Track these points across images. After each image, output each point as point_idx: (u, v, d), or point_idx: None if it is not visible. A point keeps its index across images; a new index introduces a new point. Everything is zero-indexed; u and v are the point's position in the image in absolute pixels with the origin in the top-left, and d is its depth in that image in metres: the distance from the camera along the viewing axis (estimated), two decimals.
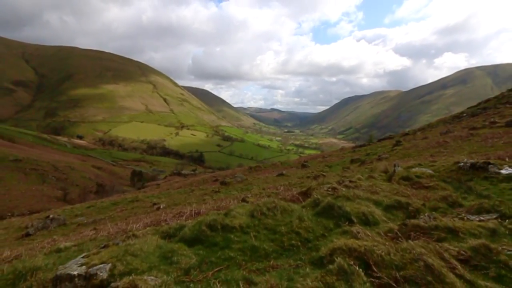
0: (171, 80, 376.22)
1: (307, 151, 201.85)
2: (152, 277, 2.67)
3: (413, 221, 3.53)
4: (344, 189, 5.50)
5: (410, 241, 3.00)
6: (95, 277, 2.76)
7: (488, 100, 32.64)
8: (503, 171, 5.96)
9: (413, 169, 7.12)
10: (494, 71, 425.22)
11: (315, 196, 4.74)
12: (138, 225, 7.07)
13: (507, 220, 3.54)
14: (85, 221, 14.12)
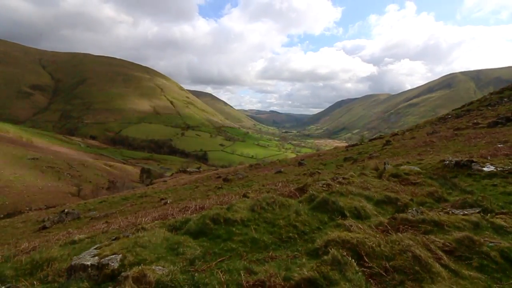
0: (177, 84, 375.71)
1: (303, 150, 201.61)
2: (160, 267, 2.67)
3: (401, 215, 3.53)
4: (337, 185, 5.49)
5: (399, 233, 3.00)
6: (107, 267, 2.76)
7: (471, 103, 32.59)
8: (485, 169, 5.97)
9: (402, 167, 7.12)
10: (477, 76, 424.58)
11: (311, 192, 4.74)
12: (146, 218, 7.07)
13: (489, 214, 3.54)
14: (98, 215, 14.12)
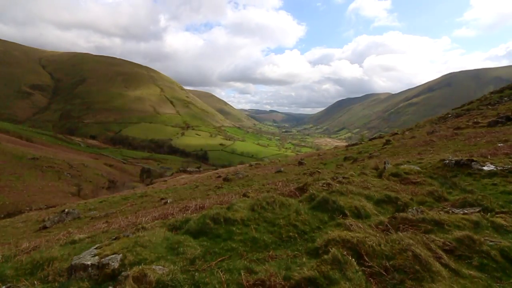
0: (177, 84, 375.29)
1: (303, 150, 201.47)
2: (160, 267, 2.67)
3: (402, 214, 3.53)
4: (338, 184, 5.49)
5: (399, 232, 3.00)
6: (107, 267, 2.76)
7: (471, 102, 32.56)
8: (485, 168, 5.97)
9: (402, 166, 7.12)
10: (477, 75, 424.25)
11: (311, 191, 4.74)
12: (147, 218, 7.06)
13: (489, 213, 3.54)
14: (98, 215, 14.12)
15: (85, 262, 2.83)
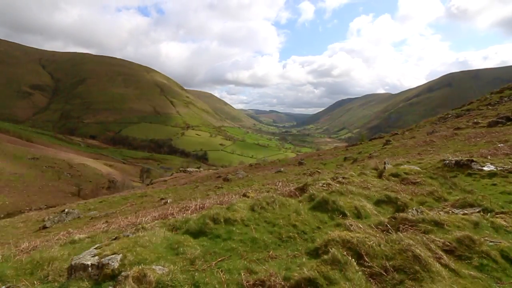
0: (177, 84, 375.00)
1: (303, 150, 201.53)
2: (160, 267, 2.67)
3: (401, 214, 3.53)
4: (337, 185, 5.49)
5: (399, 233, 2.99)
6: (107, 267, 2.75)
7: (471, 102, 32.57)
8: (485, 168, 5.97)
9: (402, 166, 7.11)
10: (477, 75, 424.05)
11: (311, 191, 4.74)
12: (146, 218, 7.05)
13: (489, 214, 3.54)
14: (98, 215, 14.13)
15: (85, 262, 2.83)
